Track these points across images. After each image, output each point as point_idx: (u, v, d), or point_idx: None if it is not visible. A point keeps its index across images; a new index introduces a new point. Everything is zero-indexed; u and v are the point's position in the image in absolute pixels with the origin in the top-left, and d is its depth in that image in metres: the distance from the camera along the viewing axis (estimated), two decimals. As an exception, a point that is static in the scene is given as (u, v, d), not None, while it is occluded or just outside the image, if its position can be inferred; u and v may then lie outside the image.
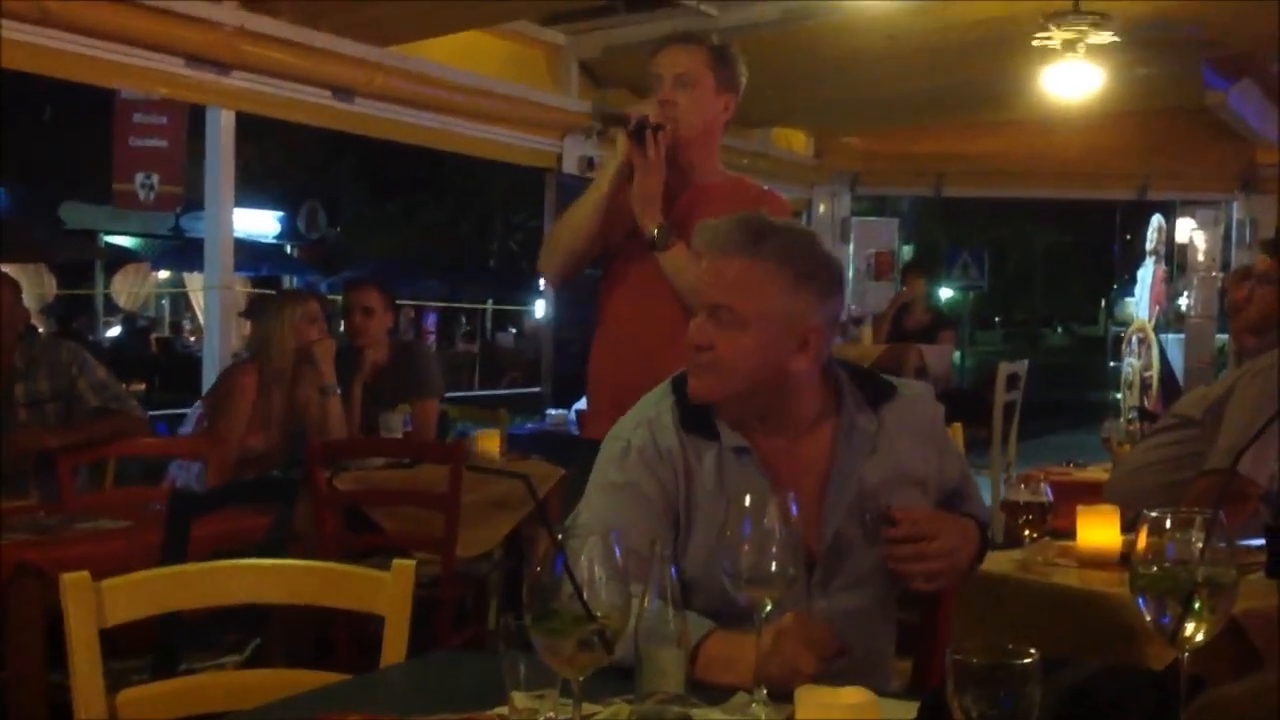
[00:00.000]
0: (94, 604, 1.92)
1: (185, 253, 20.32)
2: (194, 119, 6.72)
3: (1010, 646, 1.30)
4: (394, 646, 2.02)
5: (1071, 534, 2.94)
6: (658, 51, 3.34)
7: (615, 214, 3.26)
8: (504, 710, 1.55)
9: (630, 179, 3.22)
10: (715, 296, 2.13)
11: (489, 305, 28.31)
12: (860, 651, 2.09)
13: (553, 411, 6.52)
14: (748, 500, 1.71)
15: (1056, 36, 5.98)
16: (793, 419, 2.18)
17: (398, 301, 5.88)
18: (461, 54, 6.43)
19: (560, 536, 1.50)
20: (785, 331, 2.10)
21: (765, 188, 3.55)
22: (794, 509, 1.72)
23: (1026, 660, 1.29)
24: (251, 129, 6.12)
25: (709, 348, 2.12)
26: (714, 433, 2.15)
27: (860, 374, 2.26)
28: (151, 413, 5.84)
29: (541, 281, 3.41)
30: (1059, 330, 42.68)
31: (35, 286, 17.24)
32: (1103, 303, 34.47)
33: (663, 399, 2.22)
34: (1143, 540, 1.50)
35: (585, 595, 1.47)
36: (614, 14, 6.82)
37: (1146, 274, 10.41)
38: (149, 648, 3.13)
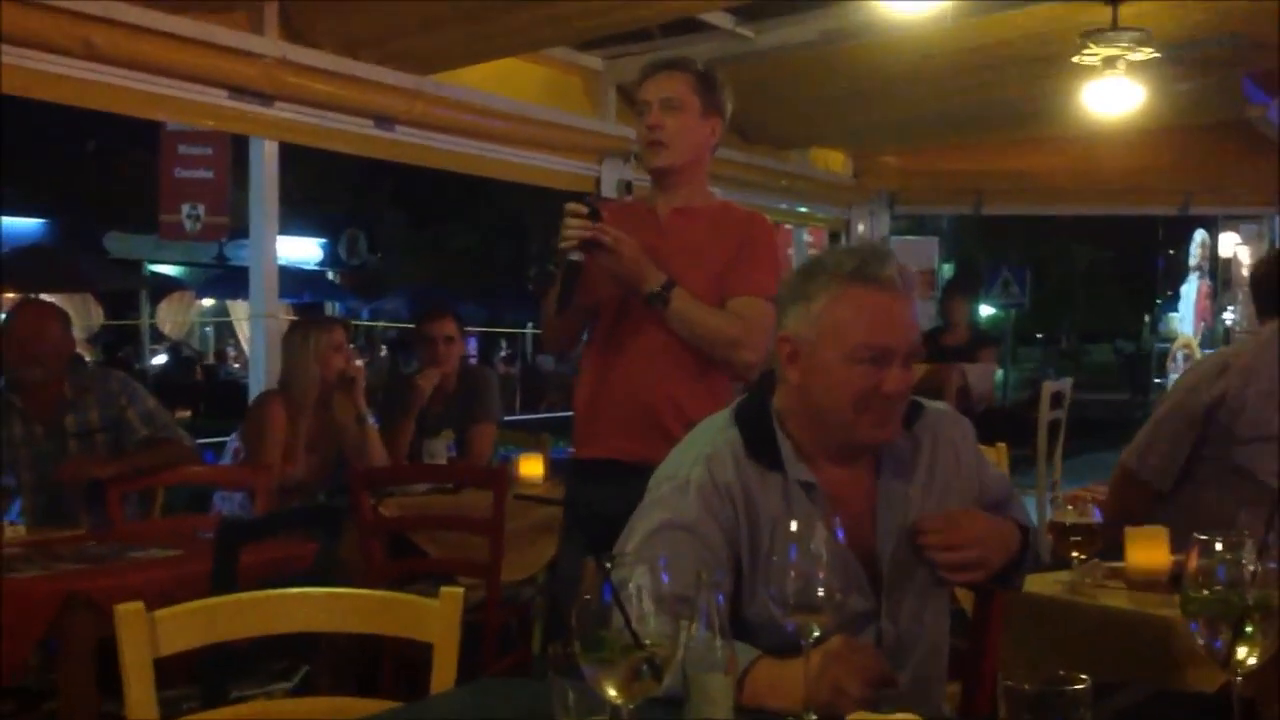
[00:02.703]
0: (148, 634, 1.94)
1: (229, 280, 20.51)
2: (237, 149, 6.79)
3: (1061, 672, 1.30)
4: (443, 673, 2.03)
5: (1119, 555, 2.92)
6: (644, 77, 3.37)
7: (588, 282, 3.21)
8: (554, 738, 1.55)
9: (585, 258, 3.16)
10: (914, 340, 2.13)
11: (529, 329, 28.39)
12: (921, 673, 2.10)
13: (594, 435, 6.51)
14: (794, 525, 1.71)
15: (1096, 53, 5.96)
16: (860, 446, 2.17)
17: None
18: (499, 80, 6.47)
19: (608, 565, 1.50)
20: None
21: (751, 211, 3.56)
22: (840, 534, 1.72)
23: (1078, 686, 1.29)
24: (294, 157, 6.18)
25: (906, 393, 2.11)
26: (779, 464, 2.11)
27: None
28: (198, 440, 5.90)
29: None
30: (1105, 345, 42.37)
31: (81, 316, 17.42)
32: (1146, 319, 34.17)
33: (722, 431, 2.16)
34: (1193, 563, 1.50)
35: (634, 624, 1.48)
36: (650, 38, 6.84)
37: (1190, 289, 10.34)
38: (197, 676, 3.16)
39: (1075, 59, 6.05)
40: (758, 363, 3.28)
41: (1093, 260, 34.05)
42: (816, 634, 1.70)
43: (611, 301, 3.31)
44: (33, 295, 8.32)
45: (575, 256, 3.13)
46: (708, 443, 2.15)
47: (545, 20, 5.74)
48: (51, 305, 4.70)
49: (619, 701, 1.47)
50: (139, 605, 1.94)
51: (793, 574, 1.71)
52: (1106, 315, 38.16)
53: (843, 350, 2.06)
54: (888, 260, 2.09)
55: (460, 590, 2.07)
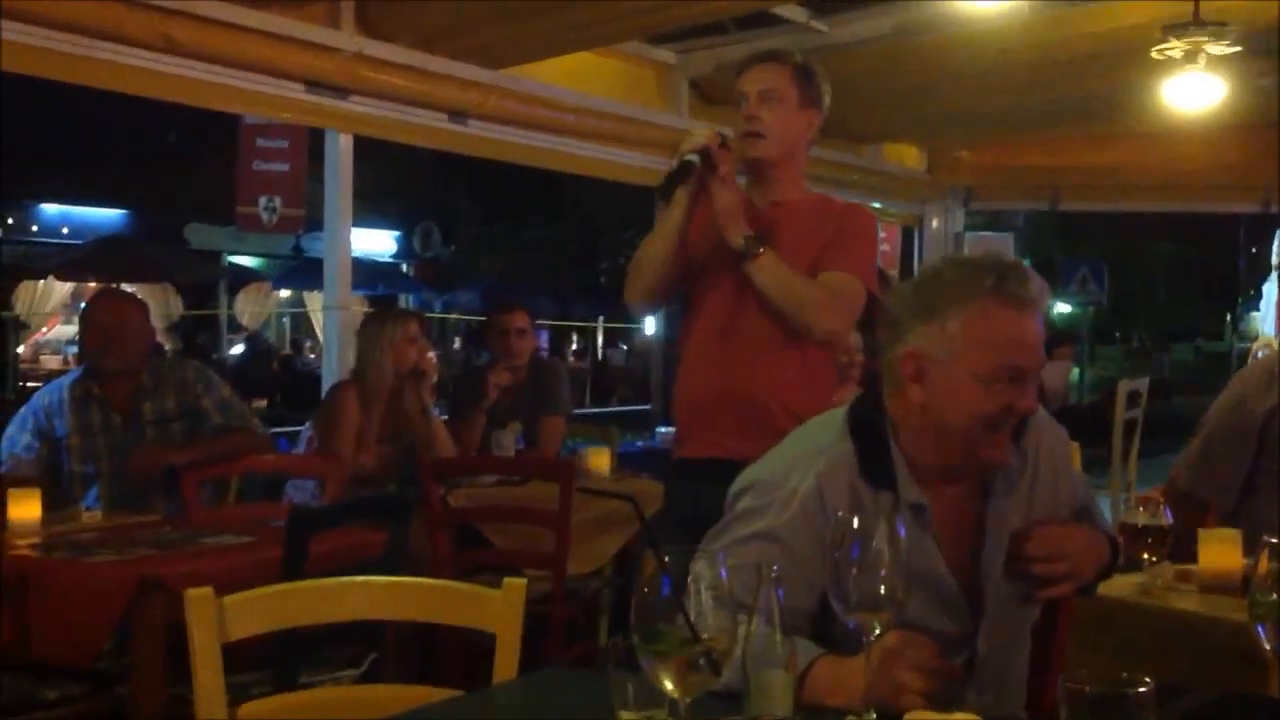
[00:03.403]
0: (216, 618, 1.97)
1: (305, 272, 20.74)
2: (313, 142, 6.87)
3: (1125, 674, 1.28)
4: (505, 663, 2.05)
5: (1191, 557, 2.87)
6: (743, 69, 3.37)
7: (697, 233, 3.27)
8: (612, 729, 1.56)
9: (703, 201, 3.23)
10: (1043, 358, 2.08)
11: (600, 323, 28.46)
12: (1004, 691, 2.07)
13: (663, 429, 6.54)
14: (856, 523, 1.70)
15: (1176, 48, 5.85)
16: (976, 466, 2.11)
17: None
18: (573, 74, 6.49)
19: (666, 558, 1.51)
20: None
21: (850, 203, 3.54)
22: (901, 531, 1.69)
23: (1141, 689, 1.27)
24: (369, 150, 6.24)
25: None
26: (891, 484, 2.04)
27: None
28: (273, 429, 5.97)
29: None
30: (1186, 345, 41.75)
31: (161, 306, 17.69)
32: (1228, 318, 33.59)
33: (836, 443, 2.07)
34: (1263, 566, 1.47)
35: (693, 617, 1.48)
36: (724, 32, 6.83)
37: (1272, 289, 10.10)
38: (267, 662, 3.20)
39: (1154, 53, 5.95)
40: (840, 332, 3.28)
41: (1173, 258, 33.51)
42: (878, 632, 1.69)
43: (714, 296, 3.31)
44: (113, 285, 8.49)
45: (691, 158, 3.18)
46: (821, 453, 2.06)
47: (619, 14, 5.75)
48: (131, 295, 4.80)
49: (675, 694, 1.48)
50: (208, 590, 1.97)
51: (855, 571, 1.70)
52: (1187, 314, 37.58)
53: (980, 370, 1.99)
54: (1029, 277, 2.03)
55: (523, 581, 2.08)
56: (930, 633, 1.81)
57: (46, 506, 3.84)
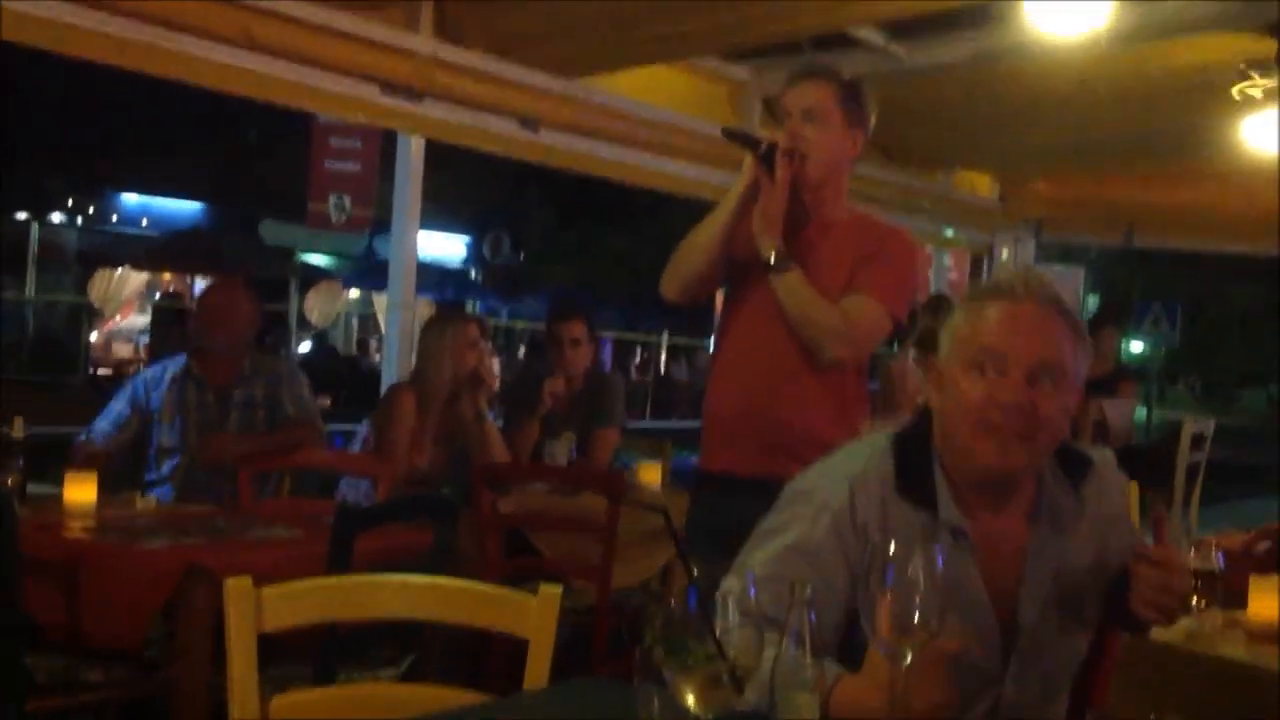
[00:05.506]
0: (254, 609, 1.99)
1: (376, 273, 20.94)
2: (386, 144, 6.93)
3: (1153, 716, 1.26)
4: (536, 670, 2.04)
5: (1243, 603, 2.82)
6: (787, 86, 3.32)
7: (737, 240, 3.26)
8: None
9: (754, 204, 3.23)
10: (1043, 352, 1.95)
11: (664, 337, 28.48)
12: None
13: (719, 446, 6.49)
14: (892, 549, 1.68)
15: (1257, 86, 5.77)
16: (1023, 492, 2.04)
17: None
18: (646, 87, 6.50)
19: (696, 573, 1.50)
20: (1076, 391, 2.00)
21: (892, 226, 3.51)
22: (939, 558, 1.67)
23: (1170, 732, 1.24)
24: (444, 155, 6.29)
25: (1031, 412, 1.94)
26: (932, 503, 1.99)
27: (1060, 445, 2.07)
28: (335, 426, 6.03)
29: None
30: (1259, 390, 41.04)
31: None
32: (1304, 365, 33.03)
33: (874, 459, 2.05)
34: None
35: (720, 632, 1.47)
36: (800, 52, 6.81)
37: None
38: (310, 655, 3.22)
39: (1235, 92, 5.87)
40: (847, 359, 3.24)
41: (1251, 301, 32.96)
42: (909, 659, 1.67)
43: (748, 311, 3.30)
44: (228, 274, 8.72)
45: (763, 137, 3.21)
46: (858, 466, 2.04)
47: (696, 29, 5.75)
48: (245, 285, 5.03)
49: (698, 710, 1.47)
50: (247, 580, 1.99)
51: (889, 596, 1.68)
52: (1262, 359, 36.97)
53: (961, 359, 1.98)
54: (1022, 272, 2.03)
55: (558, 589, 2.07)
56: (963, 660, 1.77)
57: (105, 488, 3.91)
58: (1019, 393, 1.94)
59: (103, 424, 4.81)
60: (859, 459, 2.07)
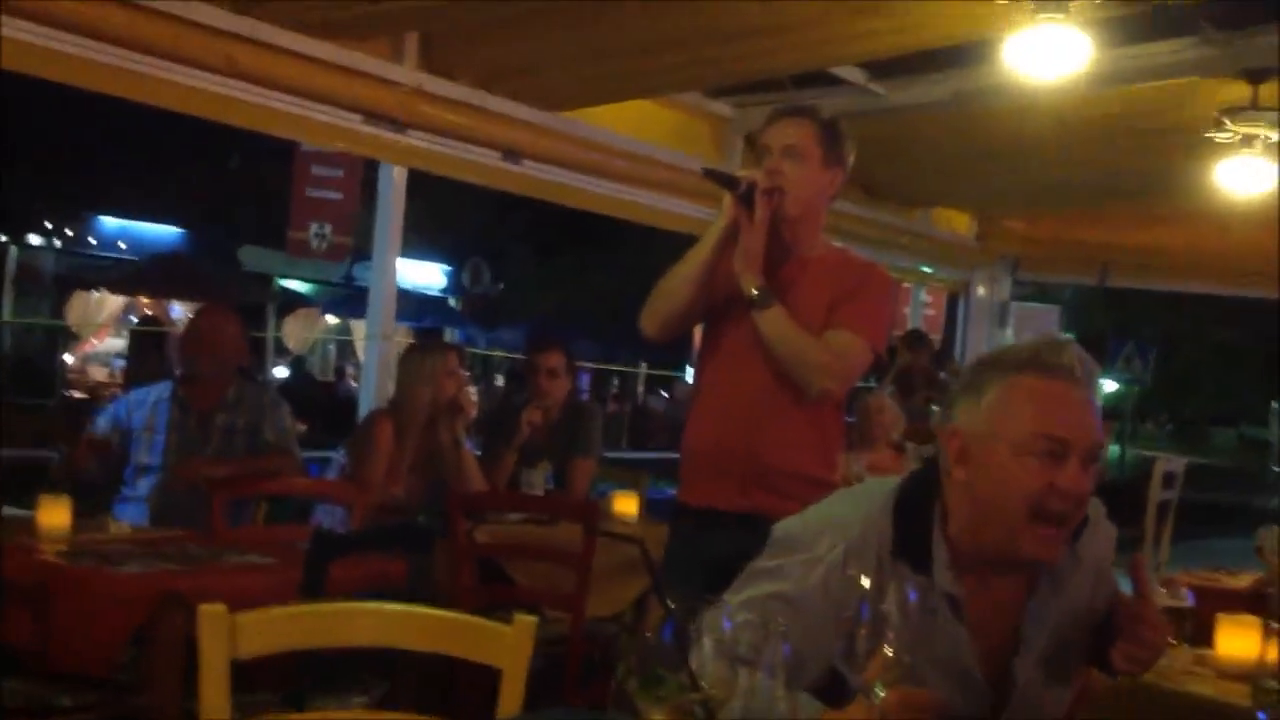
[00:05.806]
0: (227, 635, 1.98)
1: (354, 301, 20.89)
2: (367, 173, 6.96)
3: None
4: (510, 699, 2.05)
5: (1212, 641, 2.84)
6: (767, 124, 3.37)
7: (716, 278, 3.29)
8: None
9: (733, 242, 3.25)
10: (1098, 436, 1.92)
11: (642, 368, 28.48)
12: None
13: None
14: (865, 582, 1.69)
15: (1233, 131, 5.85)
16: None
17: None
18: (628, 121, 6.54)
19: (673, 606, 1.51)
20: None
21: (868, 261, 3.54)
22: (912, 596, 1.69)
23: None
24: (425, 183, 6.30)
25: (1084, 500, 1.91)
26: (927, 569, 1.95)
27: None
28: (310, 454, 6.02)
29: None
30: (1229, 430, 41.28)
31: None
32: (1275, 405, 33.19)
33: (873, 519, 1.99)
34: (1272, 654, 1.46)
35: (695, 666, 1.48)
36: (782, 89, 6.87)
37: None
38: (283, 682, 3.21)
39: (1212, 135, 5.94)
40: (835, 393, 3.27)
41: (1223, 342, 33.18)
42: (881, 695, 1.68)
43: (728, 345, 3.32)
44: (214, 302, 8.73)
45: (742, 176, 3.24)
46: (858, 524, 1.99)
47: (678, 66, 5.81)
48: (233, 312, 5.07)
49: (669, 742, 1.48)
50: (221, 606, 1.99)
51: (863, 632, 1.69)
52: (1234, 399, 37.18)
53: (1014, 441, 1.90)
54: (1065, 348, 1.95)
55: (533, 619, 2.08)
56: (944, 712, 1.76)
57: (77, 512, 3.90)
58: (1080, 482, 1.90)
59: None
60: (857, 510, 2.03)
